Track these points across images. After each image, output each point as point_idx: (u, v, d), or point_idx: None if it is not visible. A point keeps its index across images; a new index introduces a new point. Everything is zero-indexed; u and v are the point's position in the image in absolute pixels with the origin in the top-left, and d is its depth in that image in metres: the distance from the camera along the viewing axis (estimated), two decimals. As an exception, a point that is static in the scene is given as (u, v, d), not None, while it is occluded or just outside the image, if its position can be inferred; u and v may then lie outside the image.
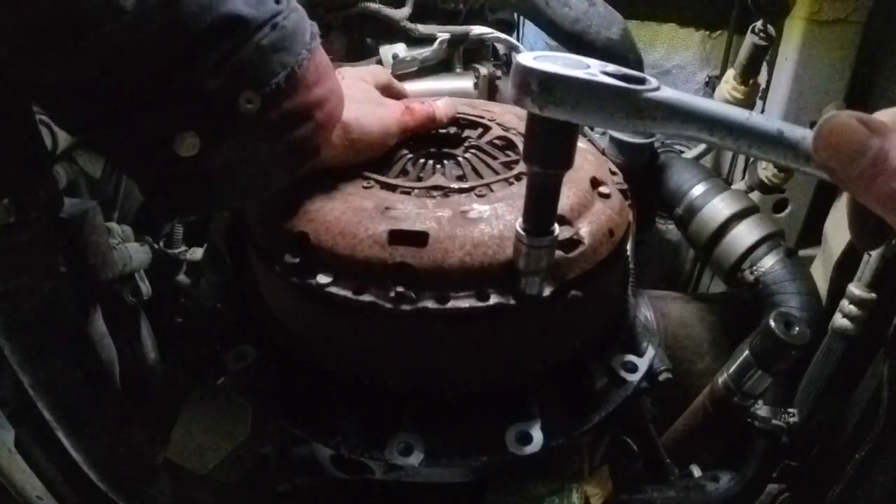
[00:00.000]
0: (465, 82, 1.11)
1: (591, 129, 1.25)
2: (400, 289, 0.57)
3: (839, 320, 0.93)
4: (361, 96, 0.68)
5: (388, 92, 0.76)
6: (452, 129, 0.80)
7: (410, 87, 1.45)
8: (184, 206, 0.60)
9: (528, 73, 0.42)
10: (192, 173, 0.53)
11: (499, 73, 1.14)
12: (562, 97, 0.42)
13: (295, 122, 0.56)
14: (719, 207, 1.16)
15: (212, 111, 0.50)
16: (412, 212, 0.61)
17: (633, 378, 0.69)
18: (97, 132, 0.51)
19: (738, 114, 0.40)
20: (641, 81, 0.42)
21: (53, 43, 0.44)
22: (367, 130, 0.66)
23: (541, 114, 0.43)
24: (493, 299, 0.57)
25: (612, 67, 0.44)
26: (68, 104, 0.50)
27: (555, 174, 0.50)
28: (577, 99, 0.41)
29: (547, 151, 0.48)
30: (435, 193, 0.65)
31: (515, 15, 1.50)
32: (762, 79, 1.29)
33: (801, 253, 1.16)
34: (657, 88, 0.42)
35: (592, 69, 0.43)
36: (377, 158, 0.70)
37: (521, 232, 0.54)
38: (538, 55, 0.44)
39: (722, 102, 0.45)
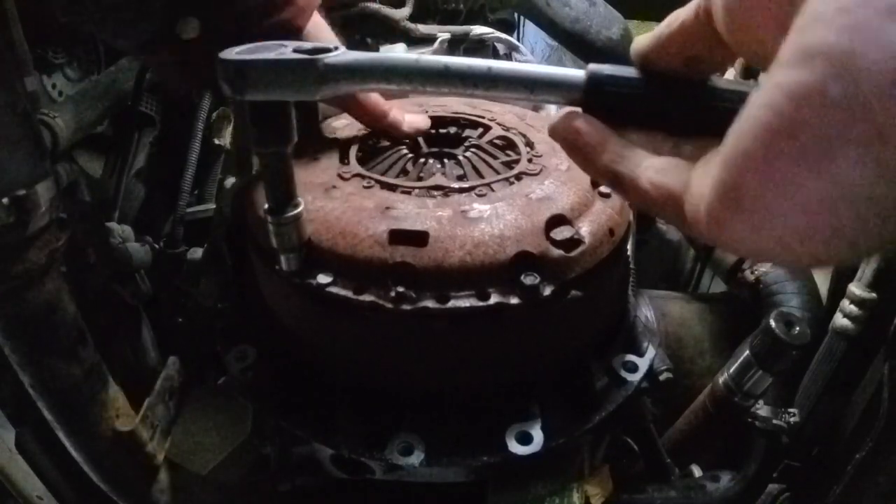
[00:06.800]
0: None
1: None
2: (400, 289, 0.57)
3: (840, 320, 0.93)
4: None
5: None
6: (453, 129, 0.80)
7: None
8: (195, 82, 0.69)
9: (223, 64, 0.45)
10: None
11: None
12: (255, 80, 0.45)
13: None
14: (720, 207, 1.16)
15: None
16: (412, 211, 0.61)
17: (634, 378, 0.69)
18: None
19: (409, 60, 0.43)
20: (329, 51, 0.45)
21: None
22: None
23: (242, 98, 0.46)
24: (494, 299, 0.57)
25: (308, 45, 0.47)
26: None
27: (276, 151, 0.51)
28: (269, 78, 0.45)
29: (262, 132, 0.49)
30: (435, 193, 0.65)
31: (515, 15, 1.50)
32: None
33: (802, 253, 1.16)
34: (340, 54, 0.45)
35: (285, 49, 0.46)
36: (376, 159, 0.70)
37: (266, 215, 0.55)
38: (241, 49, 0.47)
39: (418, 54, 0.46)
